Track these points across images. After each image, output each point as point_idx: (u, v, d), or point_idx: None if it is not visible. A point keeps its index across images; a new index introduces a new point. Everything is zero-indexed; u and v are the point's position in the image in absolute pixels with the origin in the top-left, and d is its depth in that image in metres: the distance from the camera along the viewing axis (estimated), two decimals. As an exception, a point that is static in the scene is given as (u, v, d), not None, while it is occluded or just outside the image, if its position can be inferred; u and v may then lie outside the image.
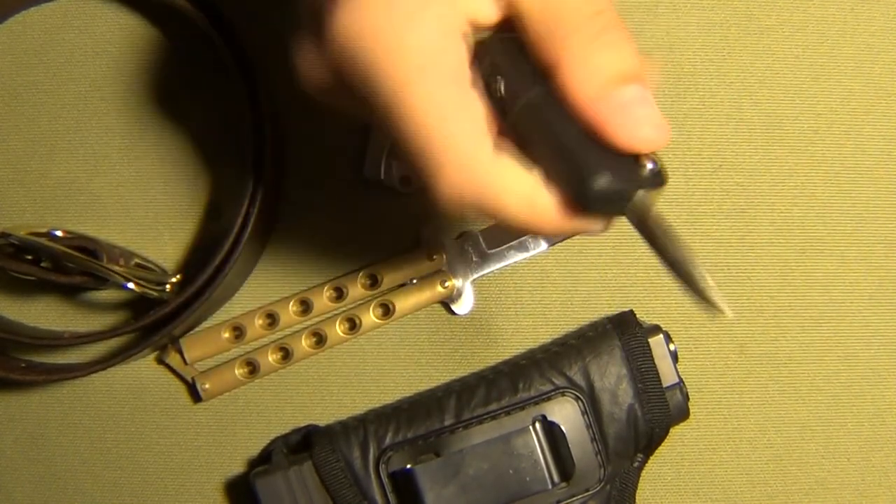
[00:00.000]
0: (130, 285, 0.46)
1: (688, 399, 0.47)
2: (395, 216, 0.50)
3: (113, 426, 0.51)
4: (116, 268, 0.46)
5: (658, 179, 0.30)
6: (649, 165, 0.29)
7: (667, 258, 0.29)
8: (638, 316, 0.48)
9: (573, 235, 0.30)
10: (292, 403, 0.50)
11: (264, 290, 0.50)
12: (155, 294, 0.47)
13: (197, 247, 0.50)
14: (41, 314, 0.50)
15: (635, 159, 0.29)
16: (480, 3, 0.30)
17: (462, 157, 0.29)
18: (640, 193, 0.29)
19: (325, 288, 0.49)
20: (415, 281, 0.49)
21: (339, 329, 0.49)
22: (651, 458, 0.47)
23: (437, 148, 0.29)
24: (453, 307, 0.50)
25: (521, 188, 0.30)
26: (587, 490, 0.46)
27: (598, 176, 0.29)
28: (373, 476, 0.46)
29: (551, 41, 0.29)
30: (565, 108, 0.29)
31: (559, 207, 0.30)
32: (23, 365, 0.49)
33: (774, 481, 0.50)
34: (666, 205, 0.49)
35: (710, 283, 0.27)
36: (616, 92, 0.28)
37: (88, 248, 0.46)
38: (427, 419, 0.47)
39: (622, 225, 0.49)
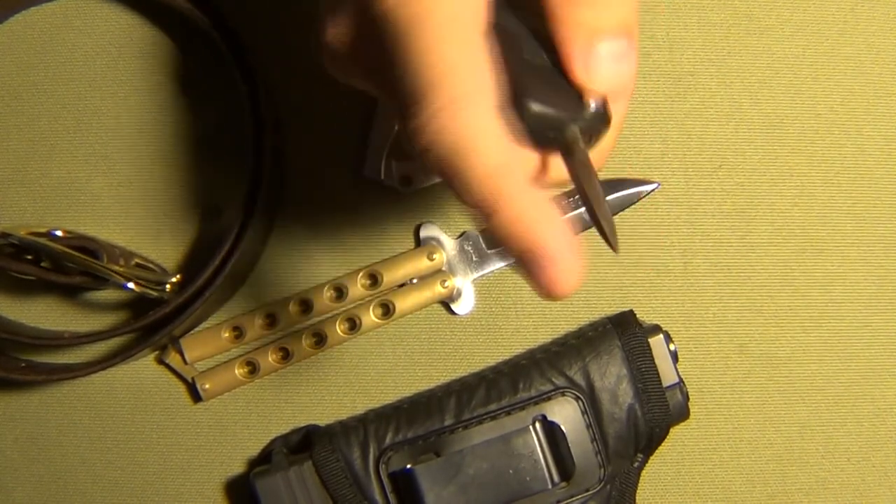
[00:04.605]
0: (130, 285, 0.46)
1: (688, 399, 0.47)
2: (395, 216, 0.50)
3: (113, 426, 0.51)
4: (116, 268, 0.46)
5: (598, 119, 0.31)
6: (592, 105, 0.30)
7: (582, 195, 0.30)
8: (638, 316, 0.48)
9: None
10: (292, 403, 0.50)
11: (264, 290, 0.50)
12: (155, 294, 0.47)
13: (197, 247, 0.50)
14: (41, 314, 0.50)
15: (581, 97, 0.30)
16: None
17: (457, 99, 0.28)
18: (573, 127, 0.30)
19: (326, 288, 0.49)
20: (415, 281, 0.49)
21: (339, 329, 0.49)
22: (651, 458, 0.48)
23: (436, 78, 0.28)
24: (453, 307, 0.50)
25: (493, 152, 0.29)
26: (587, 490, 0.46)
27: (535, 101, 0.30)
28: (373, 476, 0.46)
29: None
30: (543, 37, 0.30)
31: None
32: (23, 365, 0.49)
33: (774, 481, 0.50)
34: (666, 205, 0.49)
35: (611, 224, 0.30)
36: (597, 45, 0.30)
37: (88, 248, 0.46)
38: (427, 419, 0.46)
39: (622, 227, 0.49)
